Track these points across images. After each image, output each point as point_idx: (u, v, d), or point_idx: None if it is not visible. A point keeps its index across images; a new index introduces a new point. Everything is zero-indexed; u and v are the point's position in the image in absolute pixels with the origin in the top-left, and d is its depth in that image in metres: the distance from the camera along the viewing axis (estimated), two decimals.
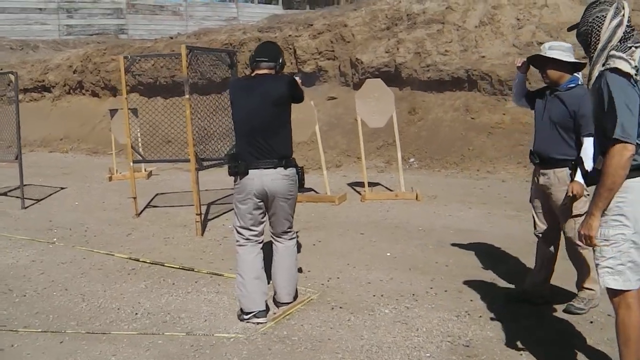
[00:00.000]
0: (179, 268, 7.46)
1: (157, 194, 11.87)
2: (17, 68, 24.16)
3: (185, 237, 8.93)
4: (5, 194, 13.43)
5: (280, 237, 6.06)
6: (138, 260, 7.90)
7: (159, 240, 8.87)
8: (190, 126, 8.76)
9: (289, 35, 18.15)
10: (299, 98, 6.06)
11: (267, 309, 5.93)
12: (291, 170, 5.86)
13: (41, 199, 12.55)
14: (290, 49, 17.85)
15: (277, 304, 6.13)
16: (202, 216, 9.16)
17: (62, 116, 22.60)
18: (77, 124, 21.75)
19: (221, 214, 10.12)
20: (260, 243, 5.98)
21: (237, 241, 5.95)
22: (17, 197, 12.45)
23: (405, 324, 5.60)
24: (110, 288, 6.98)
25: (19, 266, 8.10)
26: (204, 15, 37.55)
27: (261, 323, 5.74)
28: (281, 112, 5.82)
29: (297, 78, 6.25)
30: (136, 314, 6.21)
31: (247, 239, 5.90)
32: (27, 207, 11.84)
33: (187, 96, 8.75)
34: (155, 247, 8.47)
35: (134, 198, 10.37)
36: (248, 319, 5.82)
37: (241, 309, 5.91)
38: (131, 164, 10.23)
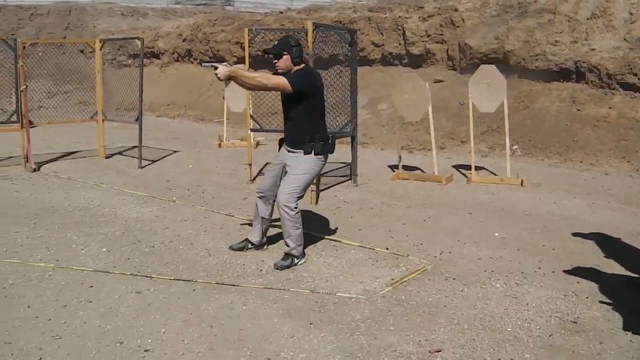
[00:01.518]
0: None
1: (267, 163, 12.30)
2: (128, 34, 25.02)
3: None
4: (120, 153, 14.09)
5: None
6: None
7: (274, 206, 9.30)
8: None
9: (399, 17, 18.39)
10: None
11: None
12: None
13: (156, 160, 13.16)
14: (400, 30, 18.10)
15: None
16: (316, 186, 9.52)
17: (169, 83, 23.28)
18: (184, 91, 22.40)
19: (331, 186, 10.52)
20: None
21: (297, 206, 6.73)
22: (133, 157, 13.10)
23: (515, 298, 5.90)
24: None
25: (144, 220, 8.66)
26: None
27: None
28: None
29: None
30: (261, 270, 6.66)
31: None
32: (144, 166, 12.45)
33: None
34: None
35: (250, 165, 10.84)
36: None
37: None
38: (249, 131, 10.70)
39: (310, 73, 6.80)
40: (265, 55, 6.71)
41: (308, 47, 9.30)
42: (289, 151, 6.89)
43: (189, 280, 6.38)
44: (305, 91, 6.60)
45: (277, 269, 6.66)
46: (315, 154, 6.71)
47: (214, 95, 21.01)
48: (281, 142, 7.10)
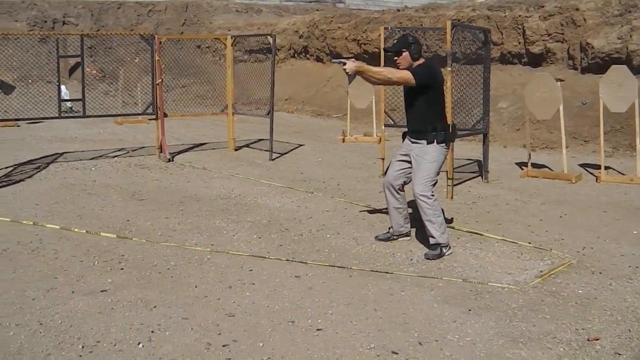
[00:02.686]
0: None
1: None
2: (243, 30, 25.59)
3: None
4: (247, 145, 14.57)
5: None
6: None
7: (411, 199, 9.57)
8: (450, 97, 9.37)
9: (519, 16, 18.41)
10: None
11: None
12: None
13: (284, 153, 13.58)
14: (520, 29, 18.13)
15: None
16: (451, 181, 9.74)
17: (286, 78, 23.70)
18: (301, 87, 22.82)
19: (463, 181, 10.72)
20: None
21: (433, 194, 7.06)
22: (260, 149, 13.55)
23: None
24: None
25: (286, 210, 9.04)
26: None
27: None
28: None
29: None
30: (411, 259, 6.94)
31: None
32: (274, 159, 12.87)
33: (449, 68, 9.36)
34: (411, 205, 9.15)
35: (382, 159, 11.13)
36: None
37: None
38: (383, 127, 10.98)
39: (431, 67, 7.11)
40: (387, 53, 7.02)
41: (446, 45, 9.51)
42: (412, 142, 7.19)
43: (343, 267, 6.69)
44: (427, 84, 6.91)
45: (428, 258, 6.92)
46: (438, 143, 7.00)
47: (331, 91, 21.39)
48: (404, 135, 7.42)
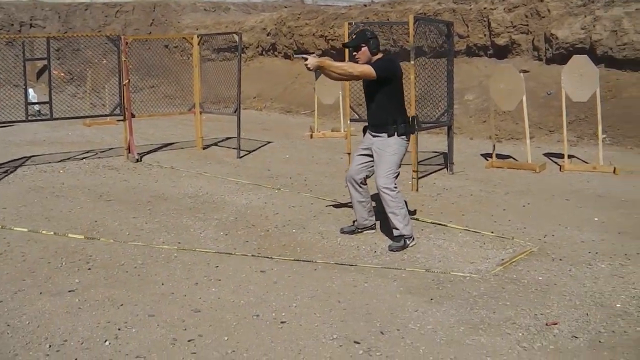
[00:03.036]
0: None
1: None
2: (212, 29, 25.61)
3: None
4: (216, 144, 14.62)
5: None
6: None
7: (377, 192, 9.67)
8: (414, 90, 9.47)
9: (484, 8, 18.58)
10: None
11: None
12: None
13: (252, 151, 13.65)
14: (485, 21, 18.30)
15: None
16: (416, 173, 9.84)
17: (254, 76, 23.75)
18: (269, 84, 22.88)
19: (429, 174, 10.84)
20: None
21: (396, 186, 7.22)
22: (229, 147, 13.62)
23: (621, 278, 6.17)
24: None
25: (253, 206, 9.11)
26: None
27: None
28: None
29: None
30: (375, 252, 7.05)
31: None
32: (242, 156, 12.94)
33: (412, 62, 9.46)
34: (374, 198, 9.26)
35: (349, 154, 11.20)
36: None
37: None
38: (349, 122, 11.07)
39: (390, 60, 7.29)
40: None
41: (409, 39, 9.62)
42: (373, 136, 7.31)
43: (308, 261, 6.79)
44: (387, 77, 7.03)
45: (392, 250, 7.04)
46: (399, 135, 7.14)
47: (299, 88, 21.47)
48: (365, 130, 7.54)
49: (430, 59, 10.69)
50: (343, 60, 9.38)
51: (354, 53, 7.17)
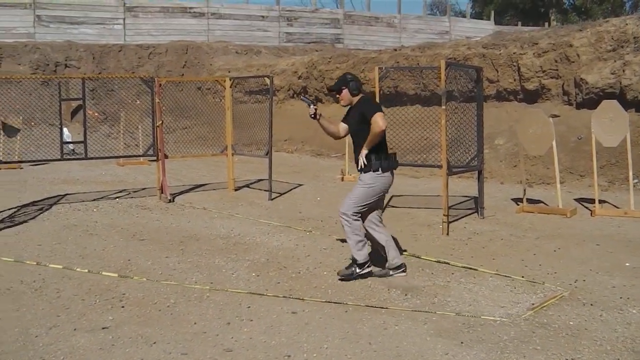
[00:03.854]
0: (434, 261, 8.31)
1: (392, 196, 12.73)
2: (243, 71, 25.88)
3: (431, 236, 9.76)
4: (247, 186, 14.75)
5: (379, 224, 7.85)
6: None
7: (407, 236, 9.74)
8: (445, 134, 9.55)
9: (514, 53, 18.68)
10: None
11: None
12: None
13: (283, 193, 13.75)
14: (515, 66, 18.39)
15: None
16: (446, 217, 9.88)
17: (285, 119, 23.94)
18: (300, 127, 23.01)
19: (459, 218, 10.85)
20: None
21: (354, 215, 7.55)
22: (260, 189, 13.74)
23: None
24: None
25: (285, 248, 9.19)
26: (417, 28, 38.42)
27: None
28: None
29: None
30: (406, 294, 7.08)
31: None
32: (273, 198, 13.03)
33: (443, 107, 9.56)
34: (405, 241, 9.32)
35: None
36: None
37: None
38: None
39: (371, 100, 7.89)
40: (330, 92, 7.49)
41: (441, 84, 9.72)
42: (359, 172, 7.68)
43: (339, 303, 6.84)
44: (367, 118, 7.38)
45: (341, 277, 7.62)
46: (373, 171, 7.45)
47: None
48: None
49: (460, 103, 10.77)
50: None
51: (337, 95, 7.66)
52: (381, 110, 7.39)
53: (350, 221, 7.48)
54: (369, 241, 7.77)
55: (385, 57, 22.08)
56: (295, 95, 24.94)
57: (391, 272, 7.74)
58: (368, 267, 7.59)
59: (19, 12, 30.31)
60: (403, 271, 7.73)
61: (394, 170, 7.72)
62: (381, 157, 7.49)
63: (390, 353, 5.50)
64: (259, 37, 34.18)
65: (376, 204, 7.70)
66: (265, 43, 33.71)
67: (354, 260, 7.57)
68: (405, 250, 8.47)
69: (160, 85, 13.36)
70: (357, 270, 7.55)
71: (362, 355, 5.48)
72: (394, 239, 8.00)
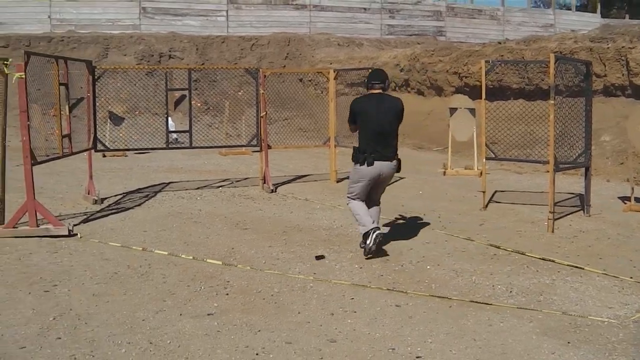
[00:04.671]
0: (539, 258, 8.18)
1: (495, 191, 12.59)
2: (345, 63, 25.90)
3: (536, 232, 9.60)
4: (348, 178, 14.72)
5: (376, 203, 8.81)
6: (498, 247, 8.71)
7: (511, 232, 9.61)
8: (553, 129, 9.39)
9: (622, 47, 18.19)
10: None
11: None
12: (396, 161, 8.45)
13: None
14: (623, 60, 17.92)
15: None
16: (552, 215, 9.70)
17: None
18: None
19: (565, 215, 10.64)
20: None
21: (349, 199, 8.66)
22: None
23: None
24: (478, 268, 7.82)
25: (387, 241, 9.15)
26: (521, 21, 37.79)
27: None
28: (397, 122, 8.51)
29: None
30: (510, 291, 7.00)
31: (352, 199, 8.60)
32: None
33: (552, 101, 9.39)
34: (509, 237, 9.22)
35: (483, 192, 11.17)
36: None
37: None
38: (484, 160, 11.04)
39: (353, 100, 8.76)
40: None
41: (549, 78, 9.55)
42: None
43: (443, 297, 6.80)
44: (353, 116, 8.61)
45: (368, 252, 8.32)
46: (354, 163, 8.43)
47: (431, 124, 21.48)
48: None
49: (566, 98, 10.56)
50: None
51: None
52: (350, 110, 8.59)
53: (348, 201, 8.62)
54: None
55: (489, 51, 21.78)
56: (397, 88, 24.82)
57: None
58: (370, 236, 8.22)
59: (125, 4, 30.99)
60: (363, 242, 8.42)
61: (385, 163, 8.38)
62: (360, 152, 8.33)
63: (495, 350, 5.45)
64: (360, 29, 34.13)
65: (371, 190, 8.60)
66: (366, 35, 33.64)
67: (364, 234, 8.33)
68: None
69: (264, 76, 13.47)
70: (361, 244, 8.48)
71: (466, 351, 5.44)
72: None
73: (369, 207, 8.56)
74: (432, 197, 12.37)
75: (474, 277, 7.47)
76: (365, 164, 8.26)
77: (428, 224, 10.22)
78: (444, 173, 15.36)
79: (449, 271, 7.73)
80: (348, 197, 8.59)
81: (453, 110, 15.71)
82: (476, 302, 6.66)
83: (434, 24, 36.19)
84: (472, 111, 15.20)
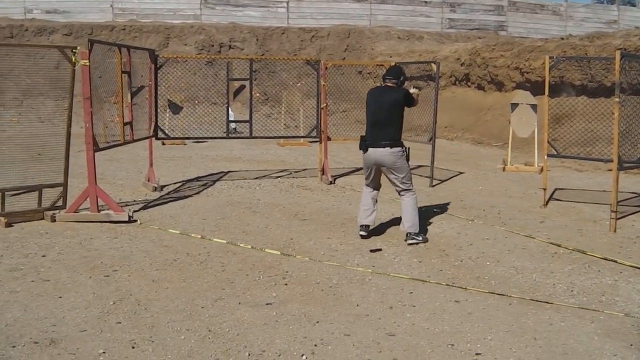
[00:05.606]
0: (601, 258, 8.04)
1: (556, 189, 12.43)
2: (405, 57, 25.78)
3: (598, 232, 9.43)
4: None
5: (400, 194, 9.02)
6: (559, 245, 8.59)
7: (573, 231, 9.48)
8: (617, 128, 9.24)
9: None
10: (410, 102, 8.93)
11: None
12: (397, 149, 8.67)
13: (444, 180, 13.63)
14: None
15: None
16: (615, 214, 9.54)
17: (446, 106, 23.65)
18: (461, 115, 22.78)
19: (627, 215, 10.44)
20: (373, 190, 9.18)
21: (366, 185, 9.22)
22: (421, 175, 13.66)
23: None
24: (538, 266, 7.73)
25: (447, 236, 9.12)
26: (584, 17, 37.25)
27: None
28: (394, 111, 8.72)
29: (413, 90, 9.37)
30: (572, 291, 6.90)
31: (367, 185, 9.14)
32: (434, 185, 12.94)
33: (617, 99, 9.24)
34: (570, 236, 9.10)
35: (544, 189, 11.04)
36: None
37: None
38: (545, 157, 10.90)
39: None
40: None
41: (615, 75, 9.39)
42: None
43: (503, 295, 6.74)
44: None
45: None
46: None
47: (491, 119, 21.28)
48: None
49: (630, 96, 10.37)
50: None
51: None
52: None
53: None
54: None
55: (552, 46, 21.48)
56: (457, 83, 24.65)
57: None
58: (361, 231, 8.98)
59: None
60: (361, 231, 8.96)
61: (378, 149, 8.75)
62: (361, 140, 8.95)
63: (556, 350, 5.38)
64: (421, 22, 33.93)
65: (388, 178, 8.98)
66: (427, 29, 33.43)
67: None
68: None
69: (326, 68, 13.46)
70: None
71: (527, 350, 5.38)
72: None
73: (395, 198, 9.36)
74: (492, 193, 12.25)
75: (535, 275, 7.38)
76: (367, 152, 8.83)
77: (487, 219, 10.10)
78: (504, 169, 15.20)
79: (509, 268, 7.65)
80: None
81: (514, 105, 15.54)
82: (537, 300, 6.58)
83: (495, 19, 35.83)
84: (534, 107, 15.02)
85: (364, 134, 8.93)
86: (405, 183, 8.86)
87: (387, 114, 8.71)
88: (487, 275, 7.40)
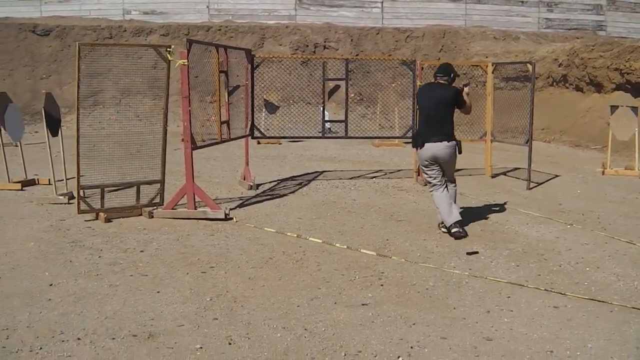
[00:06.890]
0: None
1: None
2: (501, 57, 25.47)
3: None
4: (504, 173, 14.52)
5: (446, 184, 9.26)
6: None
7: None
8: None
9: None
10: (460, 104, 9.19)
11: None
12: (452, 142, 9.01)
13: (541, 183, 13.41)
14: None
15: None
16: None
17: (543, 107, 23.27)
18: (558, 116, 22.37)
19: None
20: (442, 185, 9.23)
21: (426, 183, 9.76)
22: (517, 177, 13.50)
23: None
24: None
25: (545, 240, 8.96)
26: None
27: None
28: (445, 108, 9.01)
29: (465, 89, 9.42)
30: None
31: (434, 185, 9.24)
32: (531, 188, 12.74)
33: None
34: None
35: None
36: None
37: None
38: None
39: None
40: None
41: None
42: None
43: (603, 302, 6.59)
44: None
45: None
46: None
47: (590, 122, 20.83)
48: None
49: None
50: None
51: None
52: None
53: (431, 190, 9.40)
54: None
55: None
56: (554, 84, 24.23)
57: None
58: (454, 228, 8.99)
59: None
60: (447, 228, 9.11)
61: (435, 144, 8.98)
62: (416, 136, 9.31)
63: None
64: (516, 22, 33.46)
65: (438, 171, 9.18)
66: (523, 29, 32.95)
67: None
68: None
69: (422, 68, 13.40)
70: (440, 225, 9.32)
71: (629, 359, 5.25)
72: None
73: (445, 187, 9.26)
74: (591, 197, 11.99)
75: (636, 283, 7.20)
76: (422, 148, 9.03)
77: (587, 224, 9.89)
78: (603, 172, 14.85)
79: (609, 274, 7.48)
80: (430, 186, 9.40)
81: (614, 108, 15.18)
82: (639, 308, 6.41)
83: (594, 18, 35.08)
84: (635, 110, 14.65)
85: (417, 131, 9.51)
86: (453, 174, 9.37)
87: (439, 110, 9.02)
88: (586, 281, 7.25)
